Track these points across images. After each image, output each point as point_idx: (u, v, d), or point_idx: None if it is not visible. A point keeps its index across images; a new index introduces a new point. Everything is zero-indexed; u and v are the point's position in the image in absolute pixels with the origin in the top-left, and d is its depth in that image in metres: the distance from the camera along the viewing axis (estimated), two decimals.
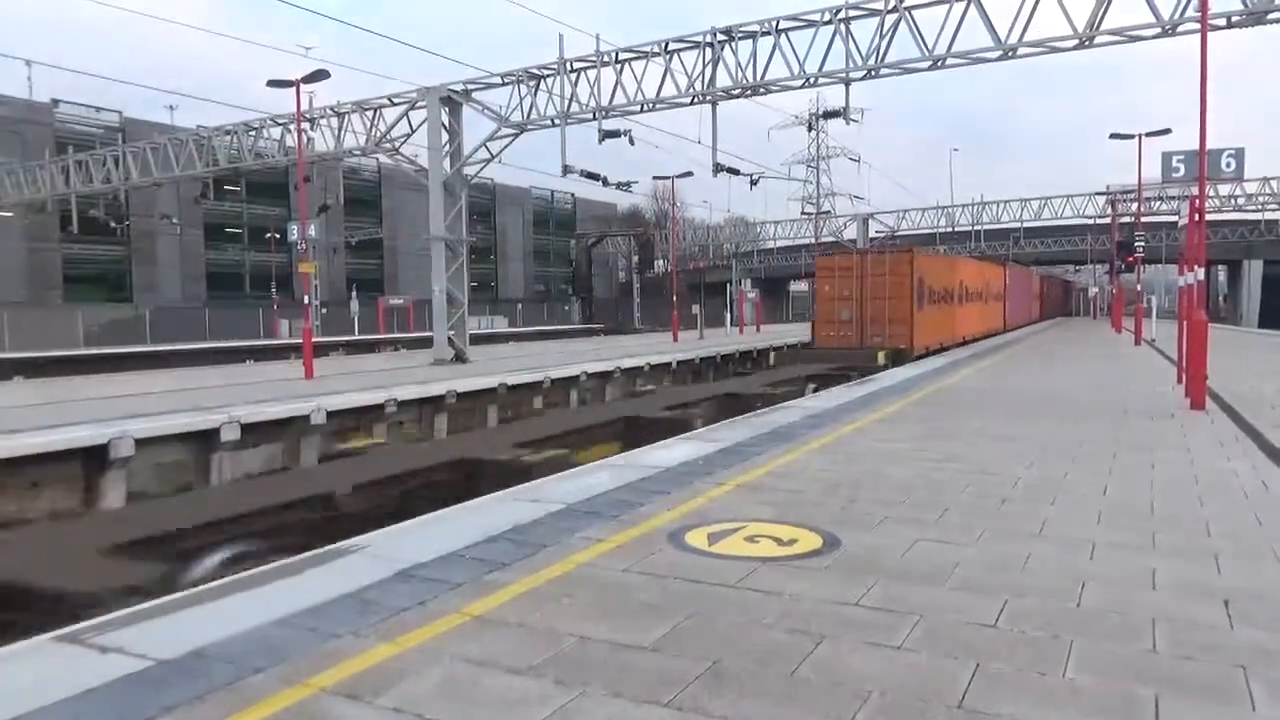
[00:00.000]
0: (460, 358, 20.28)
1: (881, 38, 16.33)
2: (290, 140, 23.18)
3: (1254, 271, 61.27)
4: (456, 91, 20.31)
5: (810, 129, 62.78)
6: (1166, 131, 25.17)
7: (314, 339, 19.32)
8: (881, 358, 19.95)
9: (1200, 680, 3.04)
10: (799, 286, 75.01)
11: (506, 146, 20.46)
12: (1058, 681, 3.04)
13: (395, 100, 21.24)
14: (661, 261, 70.18)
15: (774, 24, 17.14)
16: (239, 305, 49.56)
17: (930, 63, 16.14)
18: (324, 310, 42.87)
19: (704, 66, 17.84)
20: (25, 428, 9.67)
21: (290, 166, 26.65)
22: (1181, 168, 12.90)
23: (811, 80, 17.45)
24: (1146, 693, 2.94)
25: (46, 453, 8.98)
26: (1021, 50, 15.55)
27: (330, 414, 12.00)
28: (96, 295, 46.46)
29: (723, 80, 17.81)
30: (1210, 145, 11.74)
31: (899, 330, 21.01)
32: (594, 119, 19.16)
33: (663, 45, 18.18)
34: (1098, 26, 14.84)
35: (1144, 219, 32.09)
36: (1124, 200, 42.51)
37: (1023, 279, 43.85)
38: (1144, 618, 3.63)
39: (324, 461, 11.45)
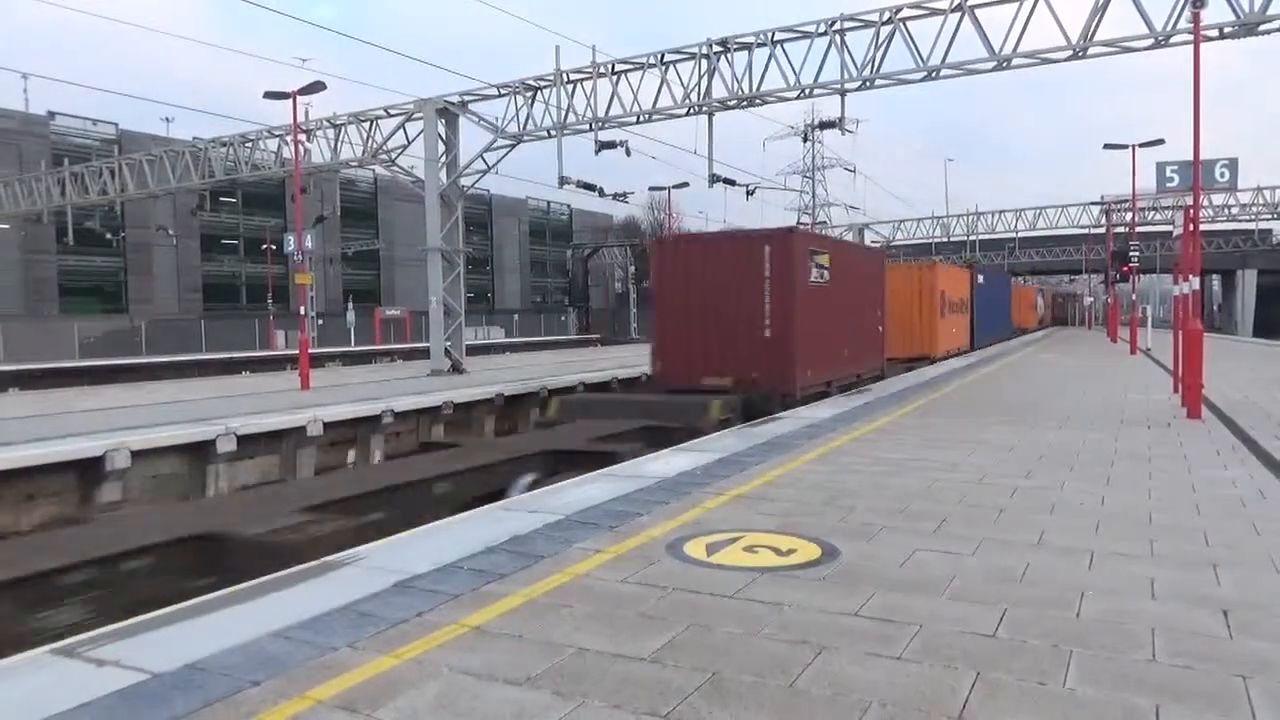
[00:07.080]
0: (457, 369, 20.25)
1: (876, 49, 16.41)
2: (287, 152, 23.17)
3: (1248, 280, 61.60)
4: (453, 103, 20.33)
5: (806, 139, 62.87)
6: (1160, 142, 25.34)
7: (310, 350, 19.28)
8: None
9: (1200, 690, 3.04)
10: None
11: (503, 158, 20.48)
12: (1058, 691, 3.04)
13: (392, 112, 21.27)
14: None
15: (769, 35, 17.21)
16: (234, 316, 49.50)
17: (925, 74, 16.22)
18: (320, 321, 42.75)
19: (700, 78, 17.90)
20: (20, 440, 9.63)
21: (286, 178, 26.65)
22: (1175, 178, 12.95)
23: (807, 91, 17.51)
24: (1147, 703, 2.93)
25: (42, 465, 8.95)
26: (1015, 61, 15.63)
27: (327, 425, 12.00)
28: (92, 307, 46.37)
29: (719, 91, 17.87)
30: (1203, 155, 11.81)
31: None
32: (590, 130, 19.20)
33: (659, 56, 18.24)
34: (1091, 37, 14.93)
35: (1138, 229, 32.22)
36: (1118, 210, 42.72)
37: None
38: (1143, 627, 3.63)
39: (320, 474, 11.41)
